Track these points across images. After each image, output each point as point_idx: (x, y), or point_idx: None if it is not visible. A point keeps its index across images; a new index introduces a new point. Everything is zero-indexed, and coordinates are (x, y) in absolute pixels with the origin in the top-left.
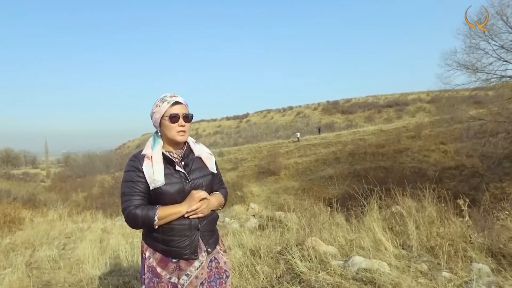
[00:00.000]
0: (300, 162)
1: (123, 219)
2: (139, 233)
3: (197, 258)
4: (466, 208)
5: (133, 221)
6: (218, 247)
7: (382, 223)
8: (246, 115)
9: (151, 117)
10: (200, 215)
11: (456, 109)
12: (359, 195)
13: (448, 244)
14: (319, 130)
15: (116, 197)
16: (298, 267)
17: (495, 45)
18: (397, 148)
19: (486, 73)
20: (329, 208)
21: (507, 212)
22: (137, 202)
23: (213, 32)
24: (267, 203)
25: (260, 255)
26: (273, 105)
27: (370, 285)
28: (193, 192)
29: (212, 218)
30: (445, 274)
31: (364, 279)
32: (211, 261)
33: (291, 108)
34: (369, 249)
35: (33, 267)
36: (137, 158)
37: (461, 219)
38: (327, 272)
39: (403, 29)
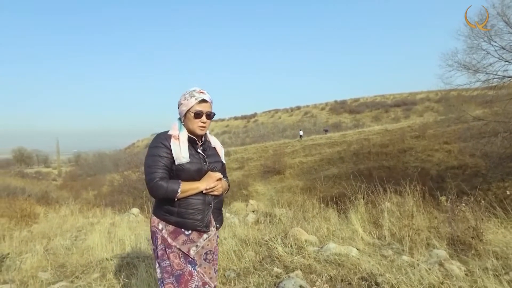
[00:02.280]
0: (305, 162)
1: (126, 216)
2: (145, 227)
3: (208, 231)
4: (448, 204)
5: (157, 191)
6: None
7: (368, 217)
8: (254, 115)
9: (178, 106)
10: (216, 193)
11: (457, 109)
12: (348, 192)
13: (416, 234)
14: (326, 132)
15: (124, 194)
16: (278, 252)
17: (496, 45)
18: (401, 147)
19: (487, 73)
20: (323, 204)
21: (463, 204)
22: (161, 174)
23: (221, 32)
24: (272, 201)
25: (248, 243)
26: (281, 105)
27: (335, 265)
28: (211, 172)
29: (221, 198)
30: (405, 257)
31: (332, 261)
32: (217, 236)
33: (298, 108)
34: (346, 238)
35: (50, 253)
36: (165, 137)
37: (443, 214)
38: (302, 256)
39: (415, 29)
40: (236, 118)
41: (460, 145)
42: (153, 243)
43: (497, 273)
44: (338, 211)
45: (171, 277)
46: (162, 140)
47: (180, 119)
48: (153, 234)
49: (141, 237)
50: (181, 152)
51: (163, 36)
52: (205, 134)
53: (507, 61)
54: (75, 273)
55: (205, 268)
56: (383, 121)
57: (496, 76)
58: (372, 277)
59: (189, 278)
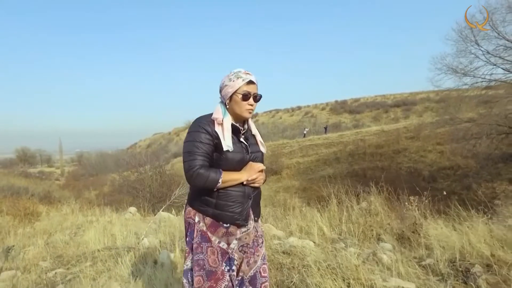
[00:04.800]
0: (302, 162)
1: (124, 215)
2: (139, 224)
3: (247, 225)
4: (416, 204)
5: (196, 180)
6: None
7: (338, 214)
8: (255, 115)
9: (221, 89)
10: (257, 184)
11: (450, 110)
12: (323, 193)
13: (368, 230)
14: (325, 129)
15: (124, 194)
16: None
17: (484, 49)
18: (395, 148)
19: (475, 77)
20: (304, 203)
21: (407, 203)
22: (202, 162)
23: (222, 32)
24: (267, 201)
25: None
26: (282, 105)
27: (288, 255)
28: (253, 163)
29: (259, 191)
30: (351, 249)
31: (287, 252)
32: (255, 229)
33: (299, 108)
34: (308, 233)
35: (50, 246)
36: (207, 121)
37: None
38: (265, 248)
39: (418, 29)
40: None
41: (452, 146)
42: (186, 234)
43: (419, 261)
44: (317, 210)
45: (201, 270)
46: (204, 124)
47: (223, 103)
48: (189, 226)
49: (131, 232)
50: (224, 140)
51: (165, 36)
52: (247, 121)
53: (494, 65)
54: (70, 262)
55: (240, 259)
56: (382, 121)
57: (484, 80)
58: (313, 263)
59: (221, 277)
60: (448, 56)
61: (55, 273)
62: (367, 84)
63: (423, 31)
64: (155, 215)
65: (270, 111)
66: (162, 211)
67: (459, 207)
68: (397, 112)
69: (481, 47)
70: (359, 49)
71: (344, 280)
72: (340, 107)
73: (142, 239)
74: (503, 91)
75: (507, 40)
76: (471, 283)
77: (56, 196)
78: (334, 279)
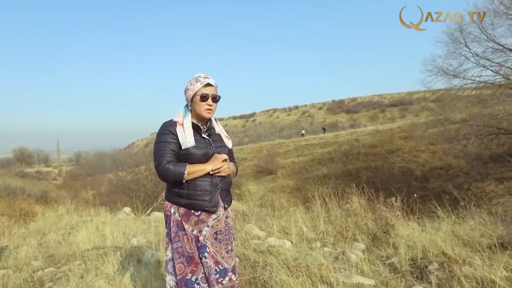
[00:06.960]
0: (297, 162)
1: (118, 215)
2: (131, 224)
3: (216, 211)
4: (398, 204)
5: (166, 174)
6: (230, 208)
7: (321, 215)
8: (253, 114)
9: (185, 92)
10: (223, 174)
11: (445, 110)
12: (309, 194)
13: (345, 230)
14: (323, 130)
15: (119, 194)
16: None
17: (473, 52)
18: (389, 148)
19: (464, 78)
20: (293, 203)
21: (379, 205)
22: (169, 158)
23: (221, 32)
24: (262, 201)
25: None
26: (280, 104)
27: (265, 254)
28: (217, 154)
29: (228, 180)
30: (326, 249)
31: (264, 251)
32: (226, 217)
33: (297, 107)
34: (287, 233)
35: (43, 246)
36: (171, 124)
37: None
38: (244, 247)
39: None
40: (234, 118)
41: (442, 147)
42: (166, 226)
43: (385, 260)
44: (302, 210)
45: (181, 257)
46: (167, 127)
47: (187, 105)
48: (166, 218)
49: (121, 232)
50: (186, 137)
51: (163, 35)
52: (210, 121)
53: (483, 67)
54: (61, 261)
55: (216, 247)
56: (378, 121)
57: (474, 82)
58: (285, 261)
59: (199, 262)
60: (438, 58)
61: (45, 271)
62: (365, 83)
63: (422, 30)
64: (149, 215)
65: (268, 111)
66: (154, 211)
67: (438, 207)
68: (393, 111)
69: (471, 49)
70: (356, 48)
71: (308, 278)
72: (337, 107)
73: (130, 239)
74: (492, 92)
75: (495, 43)
76: (425, 279)
77: (53, 196)
78: (298, 277)
